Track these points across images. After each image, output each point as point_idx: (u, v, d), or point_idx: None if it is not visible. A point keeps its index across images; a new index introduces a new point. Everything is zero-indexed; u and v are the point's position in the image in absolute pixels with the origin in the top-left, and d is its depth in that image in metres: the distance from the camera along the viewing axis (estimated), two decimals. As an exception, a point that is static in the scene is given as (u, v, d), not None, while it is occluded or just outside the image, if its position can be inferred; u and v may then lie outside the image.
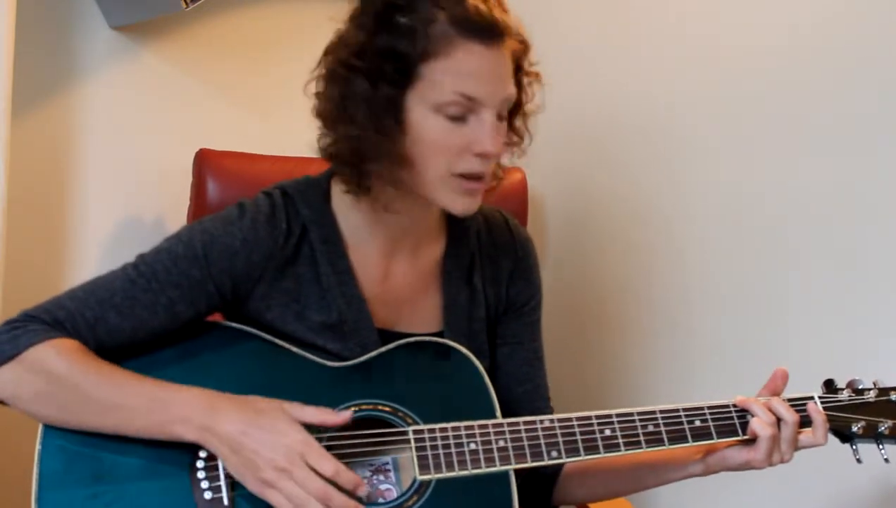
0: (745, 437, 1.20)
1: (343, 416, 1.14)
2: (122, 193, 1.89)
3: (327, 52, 1.22)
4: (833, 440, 1.23)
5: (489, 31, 1.15)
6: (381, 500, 1.16)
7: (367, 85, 1.15)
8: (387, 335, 1.27)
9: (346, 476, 1.09)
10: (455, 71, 1.14)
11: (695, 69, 1.80)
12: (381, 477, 1.19)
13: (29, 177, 1.77)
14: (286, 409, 1.12)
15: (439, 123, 1.16)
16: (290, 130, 1.57)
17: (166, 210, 1.92)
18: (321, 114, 1.22)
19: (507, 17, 1.18)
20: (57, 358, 1.12)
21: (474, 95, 1.16)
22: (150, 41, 1.89)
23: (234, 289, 1.22)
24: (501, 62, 1.18)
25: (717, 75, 1.76)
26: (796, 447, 1.20)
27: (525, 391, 1.35)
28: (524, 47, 1.22)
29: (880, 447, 1.22)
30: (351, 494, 1.09)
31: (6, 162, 1.53)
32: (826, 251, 1.62)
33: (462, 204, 1.21)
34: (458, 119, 1.16)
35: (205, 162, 1.73)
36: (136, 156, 1.89)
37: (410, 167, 1.18)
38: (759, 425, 1.18)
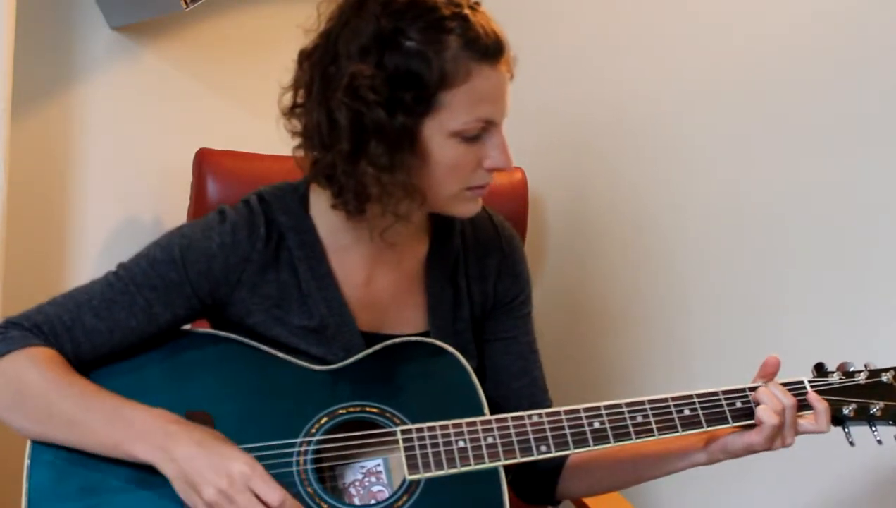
0: (744, 423, 1.19)
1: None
2: (122, 193, 1.89)
3: (312, 59, 1.18)
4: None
5: (496, 49, 1.15)
6: (373, 501, 1.16)
7: (382, 114, 1.12)
8: (372, 338, 1.26)
9: (291, 504, 1.06)
10: (474, 97, 1.14)
11: (695, 70, 1.80)
12: (373, 479, 1.19)
13: (29, 177, 1.76)
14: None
15: (456, 146, 1.16)
16: (289, 130, 1.57)
17: (166, 210, 1.92)
18: (313, 133, 1.18)
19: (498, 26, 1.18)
20: (30, 367, 1.12)
21: (492, 117, 1.17)
22: (150, 41, 1.89)
23: (212, 292, 1.22)
24: (506, 79, 1.18)
25: (717, 75, 1.76)
26: (797, 431, 1.19)
27: (522, 386, 1.35)
28: (511, 54, 1.20)
29: (873, 428, 1.22)
30: None
31: (6, 162, 1.53)
32: (825, 251, 1.61)
33: (469, 209, 1.24)
34: (473, 139, 1.17)
35: (205, 162, 1.72)
36: (136, 156, 1.89)
37: (420, 193, 1.18)
38: (766, 413, 1.17)
